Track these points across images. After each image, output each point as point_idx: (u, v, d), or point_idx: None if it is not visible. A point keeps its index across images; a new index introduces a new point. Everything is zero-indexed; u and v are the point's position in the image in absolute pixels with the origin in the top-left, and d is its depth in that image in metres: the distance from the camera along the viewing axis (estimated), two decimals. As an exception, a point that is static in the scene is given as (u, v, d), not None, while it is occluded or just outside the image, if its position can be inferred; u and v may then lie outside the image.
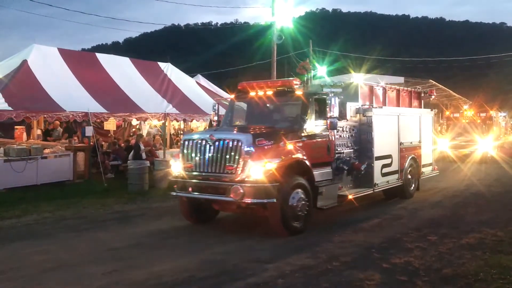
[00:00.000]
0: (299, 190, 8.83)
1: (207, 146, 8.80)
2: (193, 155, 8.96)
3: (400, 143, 12.54)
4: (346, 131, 10.97)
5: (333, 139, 10.20)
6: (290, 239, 8.48)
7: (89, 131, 15.27)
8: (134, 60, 20.94)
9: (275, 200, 8.32)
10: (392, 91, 13.38)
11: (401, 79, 48.15)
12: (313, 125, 9.75)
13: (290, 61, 40.94)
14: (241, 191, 8.30)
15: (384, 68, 57.53)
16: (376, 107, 11.76)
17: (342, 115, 10.47)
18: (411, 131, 13.28)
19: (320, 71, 46.00)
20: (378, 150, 11.41)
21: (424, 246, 7.98)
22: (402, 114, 12.83)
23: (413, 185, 13.23)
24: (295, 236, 8.67)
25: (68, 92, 15.95)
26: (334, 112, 9.51)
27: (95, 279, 6.35)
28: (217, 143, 8.70)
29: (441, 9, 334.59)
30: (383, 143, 11.69)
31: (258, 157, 8.38)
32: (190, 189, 8.96)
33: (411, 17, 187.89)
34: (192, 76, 24.81)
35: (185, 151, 9.09)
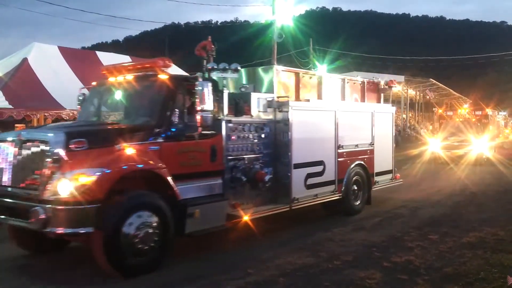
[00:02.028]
0: (144, 212, 6.37)
1: (11, 150, 6.64)
2: None
3: (339, 147, 10.10)
4: (250, 131, 8.48)
5: (223, 140, 7.82)
6: (290, 237, 8.47)
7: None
8: (135, 58, 20.91)
9: (91, 230, 5.97)
10: (334, 81, 11.04)
11: (401, 78, 48.27)
12: (184, 121, 7.27)
13: (291, 59, 40.98)
14: (43, 215, 5.91)
15: (384, 66, 57.58)
16: (296, 101, 9.50)
17: (240, 110, 8.17)
18: (358, 131, 10.81)
19: (321, 69, 46.08)
20: (299, 155, 9.03)
21: (424, 245, 7.97)
22: (343, 110, 10.30)
23: (359, 198, 10.79)
24: (295, 234, 8.66)
25: (69, 90, 15.93)
26: (207, 103, 7.05)
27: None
28: (24, 145, 6.56)
29: (441, 8, 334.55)
30: (309, 146, 9.36)
31: (71, 166, 6.05)
32: None
33: (411, 16, 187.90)
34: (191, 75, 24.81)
35: None
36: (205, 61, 8.12)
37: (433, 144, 23.61)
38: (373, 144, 11.22)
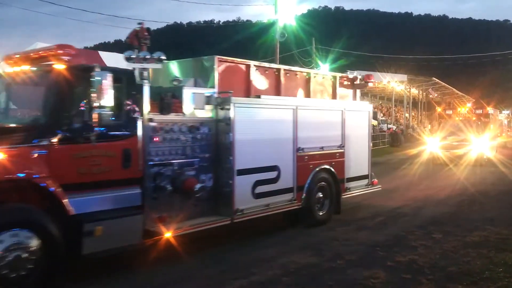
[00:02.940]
0: (21, 231, 5.23)
1: None
2: None
3: (298, 149, 8.90)
4: (182, 132, 7.25)
5: (141, 143, 6.60)
6: (294, 236, 8.46)
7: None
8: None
9: None
10: (296, 75, 9.78)
11: (404, 77, 48.23)
12: (83, 120, 6.02)
13: (294, 59, 40.98)
14: None
15: (387, 66, 57.47)
16: (246, 97, 8.39)
17: (167, 107, 7.03)
18: (324, 132, 9.63)
19: (323, 69, 46.03)
20: (245, 160, 7.84)
21: (428, 244, 7.96)
22: (304, 107, 9.13)
23: (326, 207, 9.59)
24: (299, 233, 8.66)
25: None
26: (104, 99, 5.88)
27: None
28: None
29: (444, 7, 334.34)
30: (259, 149, 8.17)
31: None
32: None
33: (414, 15, 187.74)
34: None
35: None
36: (136, 51, 6.94)
37: (431, 144, 22.94)
38: (343, 146, 10.01)
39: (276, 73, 9.27)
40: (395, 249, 7.66)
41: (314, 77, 10.12)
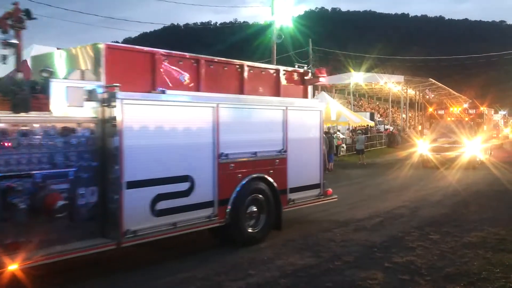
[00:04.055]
0: None
1: None
2: None
3: (221, 156, 7.44)
4: (49, 135, 5.89)
5: None
6: (291, 238, 8.44)
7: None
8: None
9: None
10: (224, 68, 8.28)
11: (401, 78, 48.35)
12: None
13: (291, 60, 41.03)
14: None
15: (384, 67, 57.60)
16: (151, 92, 6.96)
17: (23, 104, 5.71)
18: (259, 135, 8.20)
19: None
20: (140, 169, 6.45)
21: (426, 245, 7.95)
22: (230, 105, 7.71)
23: (261, 223, 8.20)
24: (296, 235, 8.63)
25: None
26: None
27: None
28: None
29: (440, 8, 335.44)
30: (162, 155, 6.74)
31: None
32: None
33: (410, 16, 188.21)
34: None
35: None
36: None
37: (421, 146, 21.86)
38: (285, 152, 8.59)
39: (195, 64, 7.76)
40: (392, 250, 7.65)
41: (250, 70, 8.63)
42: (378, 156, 27.96)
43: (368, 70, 53.29)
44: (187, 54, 7.80)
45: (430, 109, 29.71)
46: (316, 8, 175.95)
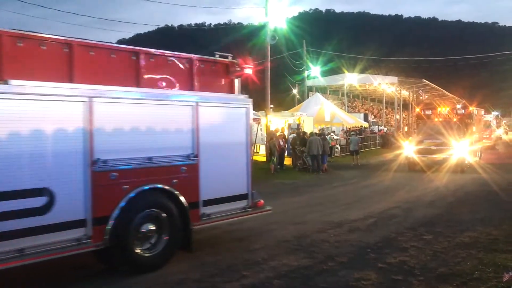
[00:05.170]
0: None
1: None
2: None
3: (96, 163, 6.06)
4: None
5: None
6: (286, 239, 8.47)
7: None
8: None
9: None
10: (111, 55, 6.91)
11: (394, 79, 48.56)
12: None
13: (285, 61, 41.09)
14: None
15: (378, 68, 57.85)
16: None
17: None
18: (157, 136, 6.76)
19: (314, 71, 46.20)
20: None
21: (419, 245, 7.99)
22: (110, 99, 6.27)
23: (161, 245, 6.75)
24: (290, 236, 8.65)
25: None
26: None
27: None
28: None
29: (434, 9, 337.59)
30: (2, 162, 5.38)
31: None
32: None
33: (404, 17, 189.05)
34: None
35: None
36: None
37: (407, 149, 20.93)
38: (196, 157, 7.15)
39: (67, 50, 6.37)
40: (386, 250, 7.69)
41: (151, 59, 7.26)
42: (372, 157, 28.06)
43: (362, 71, 53.53)
44: (55, 37, 6.32)
45: (417, 109, 27.57)
46: (310, 9, 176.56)
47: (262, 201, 8.27)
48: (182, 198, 6.93)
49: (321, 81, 49.49)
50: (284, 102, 49.73)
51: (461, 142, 19.87)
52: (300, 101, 43.01)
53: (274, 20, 24.29)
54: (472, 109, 24.65)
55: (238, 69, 8.28)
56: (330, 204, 12.24)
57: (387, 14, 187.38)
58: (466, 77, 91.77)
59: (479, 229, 9.05)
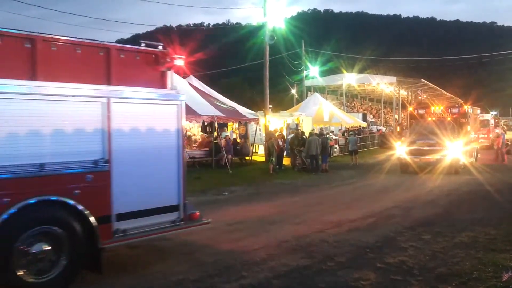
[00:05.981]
0: None
1: None
2: None
3: None
4: None
5: None
6: (285, 239, 8.46)
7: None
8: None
9: None
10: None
11: (393, 79, 48.60)
12: None
13: (283, 61, 41.10)
14: None
15: (376, 68, 57.88)
16: None
17: None
18: (50, 138, 5.67)
19: (313, 71, 46.21)
20: None
21: (418, 245, 7.99)
22: None
23: (60, 267, 5.71)
24: (289, 235, 8.63)
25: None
26: None
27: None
28: None
29: (432, 9, 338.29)
30: None
31: None
32: None
33: (402, 17, 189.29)
34: (185, 77, 24.80)
35: None
36: None
37: (399, 149, 20.08)
38: (107, 163, 6.09)
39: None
40: (385, 250, 7.69)
41: (52, 48, 6.06)
42: (371, 156, 28.06)
43: (361, 71, 53.57)
44: None
45: (410, 108, 26.03)
46: (309, 9, 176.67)
47: (198, 213, 7.15)
48: (86, 212, 5.82)
49: (320, 81, 49.57)
50: (282, 102, 49.77)
51: (456, 142, 19.11)
52: (299, 101, 43.04)
53: (272, 20, 24.29)
54: (467, 107, 23.40)
55: (168, 60, 7.13)
56: (329, 204, 12.23)
57: (385, 14, 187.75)
58: (464, 77, 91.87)
59: (477, 229, 9.05)
